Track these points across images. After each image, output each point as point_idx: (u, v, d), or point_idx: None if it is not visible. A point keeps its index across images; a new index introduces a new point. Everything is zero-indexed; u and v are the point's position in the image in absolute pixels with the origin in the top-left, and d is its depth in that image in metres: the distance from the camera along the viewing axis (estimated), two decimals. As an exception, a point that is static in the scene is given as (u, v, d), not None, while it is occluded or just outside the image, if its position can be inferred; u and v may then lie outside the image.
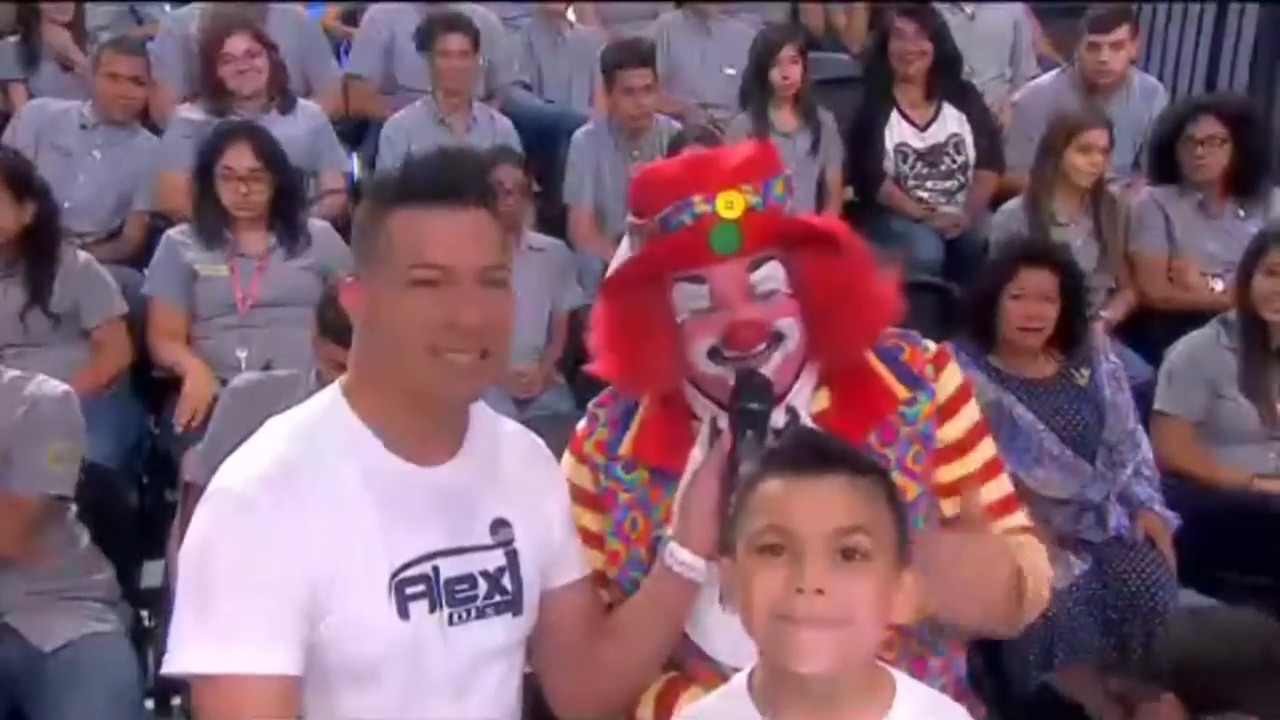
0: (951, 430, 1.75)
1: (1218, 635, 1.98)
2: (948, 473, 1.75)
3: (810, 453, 1.40)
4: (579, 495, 1.79)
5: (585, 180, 4.73)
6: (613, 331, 1.76)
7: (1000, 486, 1.80)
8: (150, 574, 3.18)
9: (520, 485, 1.67)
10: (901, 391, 1.74)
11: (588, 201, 4.73)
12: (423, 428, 1.58)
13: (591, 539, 1.78)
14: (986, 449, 1.78)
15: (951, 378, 1.77)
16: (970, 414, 1.77)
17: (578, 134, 4.81)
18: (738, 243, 1.64)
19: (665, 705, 1.74)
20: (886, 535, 1.38)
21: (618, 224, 4.54)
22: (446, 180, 1.54)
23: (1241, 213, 4.32)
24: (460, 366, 1.52)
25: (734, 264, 1.65)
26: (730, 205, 1.65)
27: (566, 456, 1.83)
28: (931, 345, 1.80)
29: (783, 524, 1.36)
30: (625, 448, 1.79)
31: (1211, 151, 4.27)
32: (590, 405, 1.87)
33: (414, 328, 1.51)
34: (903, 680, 1.45)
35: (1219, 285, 4.27)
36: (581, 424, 1.85)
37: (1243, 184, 4.32)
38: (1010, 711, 3.13)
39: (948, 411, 1.75)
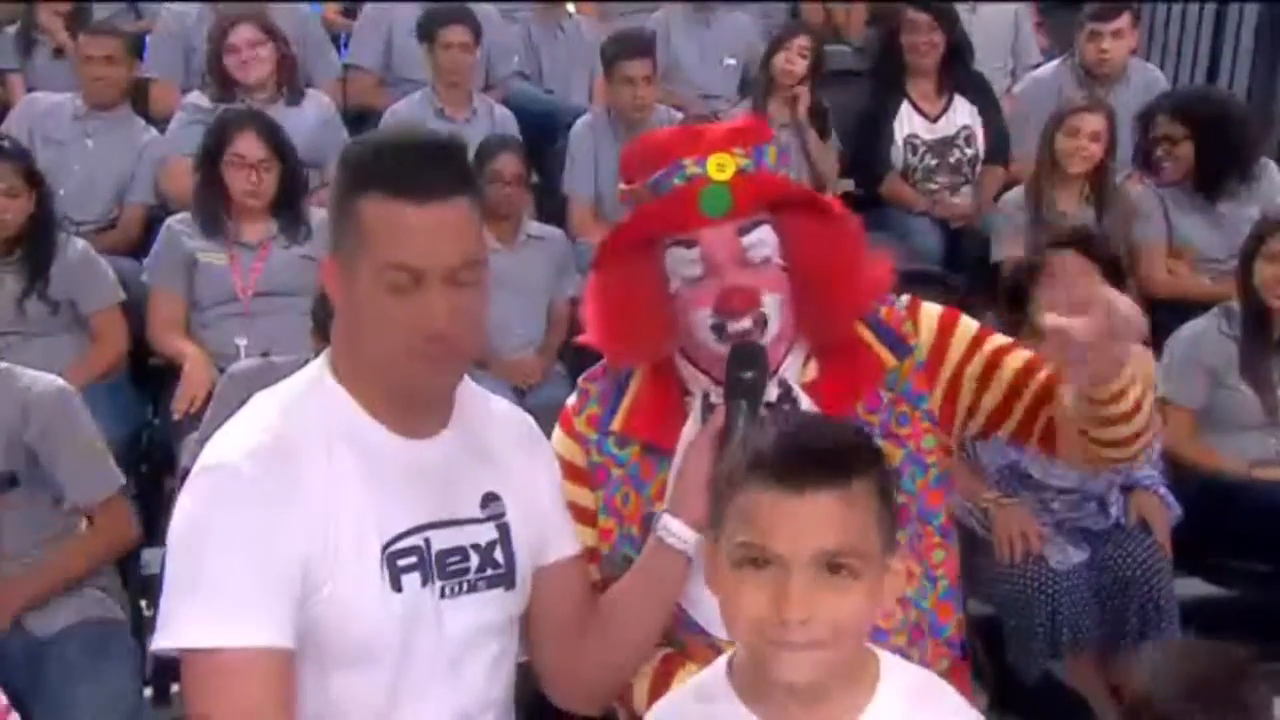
0: (946, 371, 1.74)
1: (1179, 672, 1.88)
2: (969, 386, 1.74)
3: (797, 463, 1.32)
4: (570, 471, 1.77)
5: (584, 171, 4.72)
6: (605, 301, 1.74)
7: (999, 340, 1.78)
8: (149, 562, 3.17)
9: (510, 460, 1.66)
10: (890, 359, 1.73)
11: (587, 192, 4.72)
12: (408, 404, 1.57)
13: (584, 515, 1.76)
14: (991, 344, 1.75)
15: (927, 323, 1.76)
16: (961, 340, 1.75)
17: (577, 125, 4.80)
18: (728, 204, 1.63)
19: (661, 682, 1.72)
20: (874, 544, 1.33)
21: (617, 215, 4.53)
22: (419, 172, 1.47)
23: (1237, 197, 4.30)
24: (436, 367, 1.52)
25: (725, 227, 1.64)
26: (721, 167, 1.64)
27: (557, 433, 1.81)
28: (903, 299, 1.79)
29: (767, 544, 1.31)
30: (617, 423, 1.77)
31: (1170, 151, 4.27)
32: (580, 380, 1.85)
33: (388, 332, 1.49)
34: (887, 660, 1.43)
35: (1207, 280, 4.26)
36: (571, 399, 1.84)
37: (1207, 180, 4.28)
38: (1012, 700, 3.13)
39: (934, 362, 1.74)
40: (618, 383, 1.80)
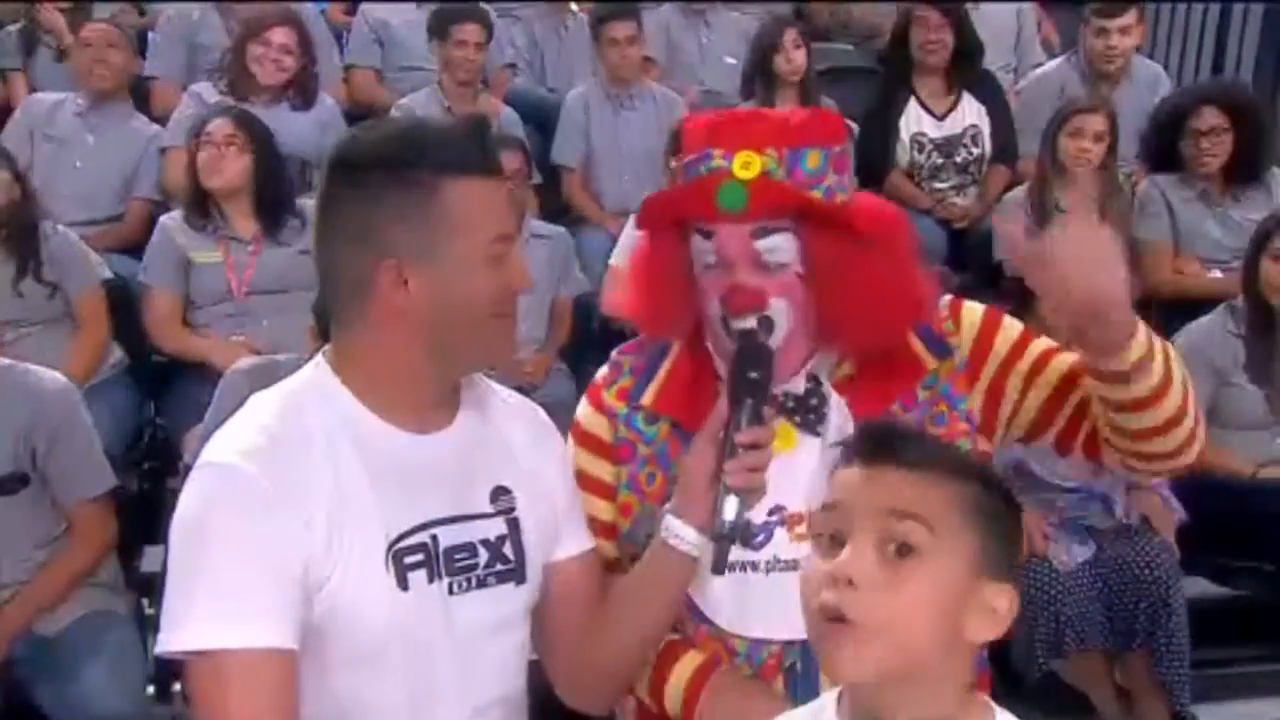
0: (988, 372, 1.70)
1: None
2: (1014, 388, 1.70)
3: (875, 439, 1.23)
4: (594, 444, 1.75)
5: (574, 140, 4.77)
6: (636, 270, 1.74)
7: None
8: (151, 560, 3.17)
9: (521, 453, 1.64)
10: (930, 360, 1.69)
11: (575, 160, 4.78)
12: (421, 397, 1.56)
13: (603, 489, 1.74)
14: (1036, 347, 1.71)
15: (969, 323, 1.72)
16: (1005, 341, 1.71)
17: (570, 95, 4.86)
18: (743, 203, 1.61)
19: (661, 666, 1.71)
20: (958, 539, 1.18)
21: (605, 182, 4.69)
22: (490, 149, 1.55)
23: (1242, 198, 4.30)
24: (512, 326, 1.58)
25: (741, 227, 1.62)
26: (746, 165, 1.61)
27: (583, 404, 1.79)
28: (943, 299, 1.74)
29: (833, 498, 1.21)
30: (648, 398, 1.74)
31: (1215, 144, 4.25)
32: (615, 352, 1.82)
33: (484, 303, 1.52)
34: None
35: (1217, 273, 4.25)
36: (602, 371, 1.80)
37: (1242, 172, 4.30)
38: (1013, 698, 3.11)
39: (976, 363, 1.70)
40: (653, 357, 1.77)
